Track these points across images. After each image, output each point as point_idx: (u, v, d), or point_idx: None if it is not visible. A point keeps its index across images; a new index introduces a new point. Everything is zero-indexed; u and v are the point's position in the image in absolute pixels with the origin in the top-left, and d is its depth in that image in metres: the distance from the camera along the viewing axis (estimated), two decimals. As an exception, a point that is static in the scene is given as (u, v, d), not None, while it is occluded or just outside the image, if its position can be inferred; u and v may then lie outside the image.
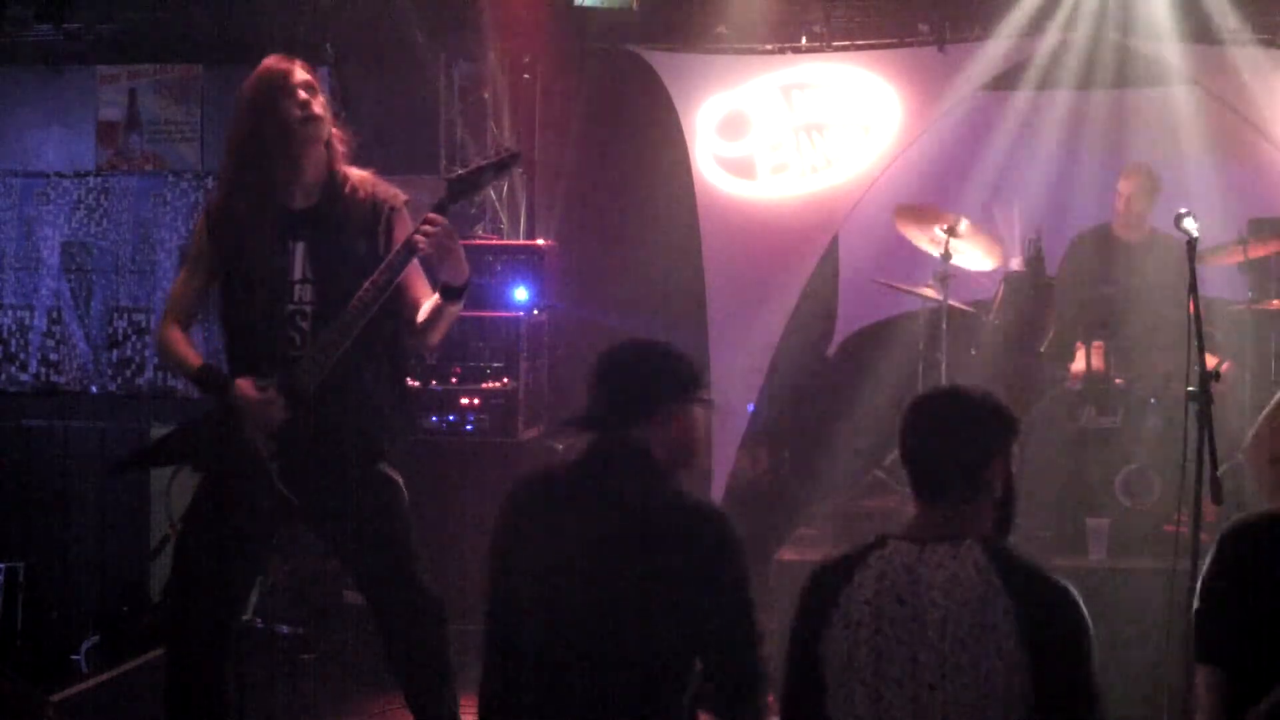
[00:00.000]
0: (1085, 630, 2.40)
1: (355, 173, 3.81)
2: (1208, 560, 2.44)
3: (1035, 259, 5.90)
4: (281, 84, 3.67)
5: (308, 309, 3.69)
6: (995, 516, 2.58)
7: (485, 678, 2.75)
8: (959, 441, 2.57)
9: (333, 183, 3.74)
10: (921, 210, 6.23)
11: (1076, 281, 6.03)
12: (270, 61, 3.74)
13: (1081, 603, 2.43)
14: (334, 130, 3.77)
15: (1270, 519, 2.45)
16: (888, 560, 2.50)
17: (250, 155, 3.69)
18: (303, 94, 3.68)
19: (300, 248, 3.71)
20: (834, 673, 2.47)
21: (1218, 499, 3.66)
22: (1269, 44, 6.31)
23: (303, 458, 3.64)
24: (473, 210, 7.01)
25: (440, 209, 3.64)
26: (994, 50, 6.50)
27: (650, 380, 2.78)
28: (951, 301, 6.01)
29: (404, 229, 3.75)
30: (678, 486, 2.74)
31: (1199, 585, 2.46)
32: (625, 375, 2.79)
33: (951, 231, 5.91)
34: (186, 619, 3.72)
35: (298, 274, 3.70)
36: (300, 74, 3.71)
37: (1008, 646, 2.36)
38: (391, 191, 3.83)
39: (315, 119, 3.69)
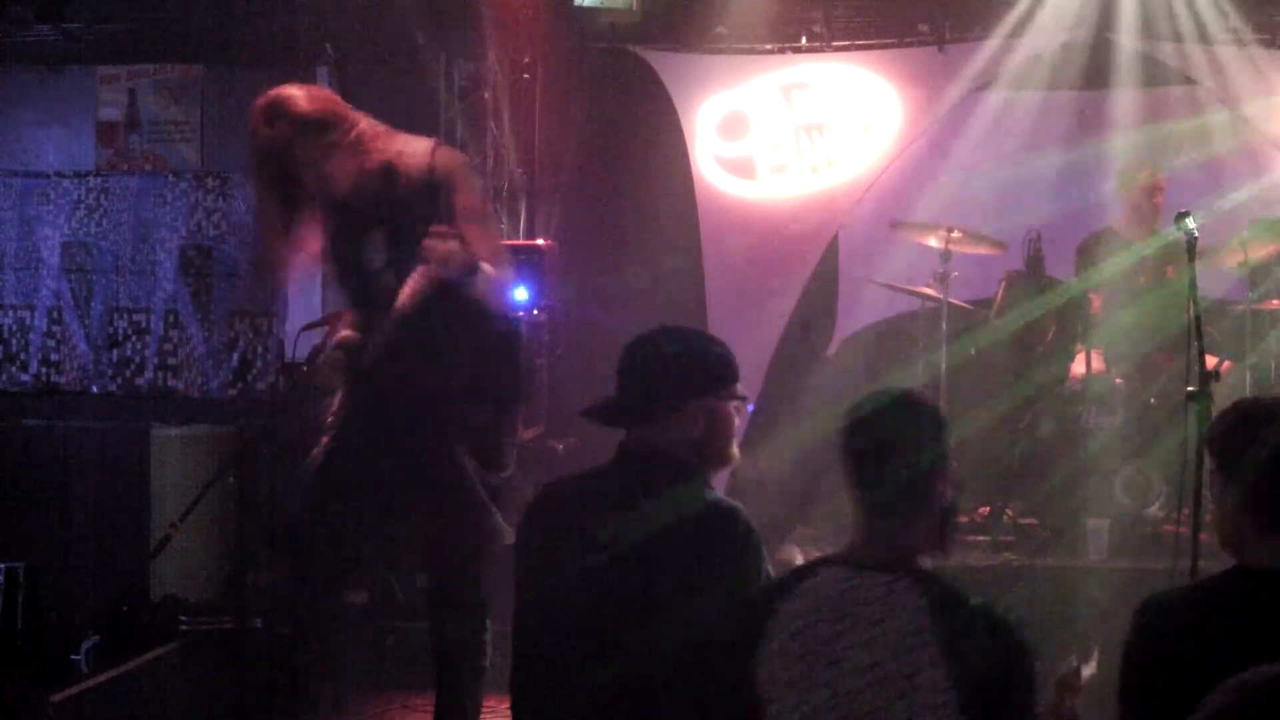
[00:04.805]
0: (1029, 674, 2.20)
1: (400, 151, 3.84)
2: (1128, 637, 2.34)
3: (1035, 259, 5.89)
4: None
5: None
6: (940, 532, 2.36)
7: (514, 679, 2.69)
8: (914, 448, 2.32)
9: (386, 174, 3.81)
10: (916, 226, 6.29)
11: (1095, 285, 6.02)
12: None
13: (1026, 641, 2.22)
14: (361, 129, 3.85)
15: (1184, 594, 2.44)
16: (817, 590, 2.28)
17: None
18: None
19: (377, 236, 3.83)
20: (764, 707, 2.26)
21: (1218, 499, 3.65)
22: (1269, 44, 6.31)
23: None
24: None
25: None
26: (994, 50, 6.50)
27: (676, 374, 2.62)
28: (951, 301, 6.01)
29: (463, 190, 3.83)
30: (701, 490, 2.61)
31: (1122, 661, 2.34)
32: (650, 367, 2.63)
33: (949, 238, 5.95)
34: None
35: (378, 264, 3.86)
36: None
37: (934, 699, 2.14)
38: (440, 157, 3.86)
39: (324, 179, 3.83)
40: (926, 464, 2.32)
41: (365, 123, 3.90)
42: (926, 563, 2.33)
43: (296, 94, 3.89)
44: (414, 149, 3.84)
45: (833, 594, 2.26)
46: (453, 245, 3.61)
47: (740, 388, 2.70)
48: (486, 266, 3.72)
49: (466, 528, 3.84)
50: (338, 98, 4.02)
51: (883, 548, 2.30)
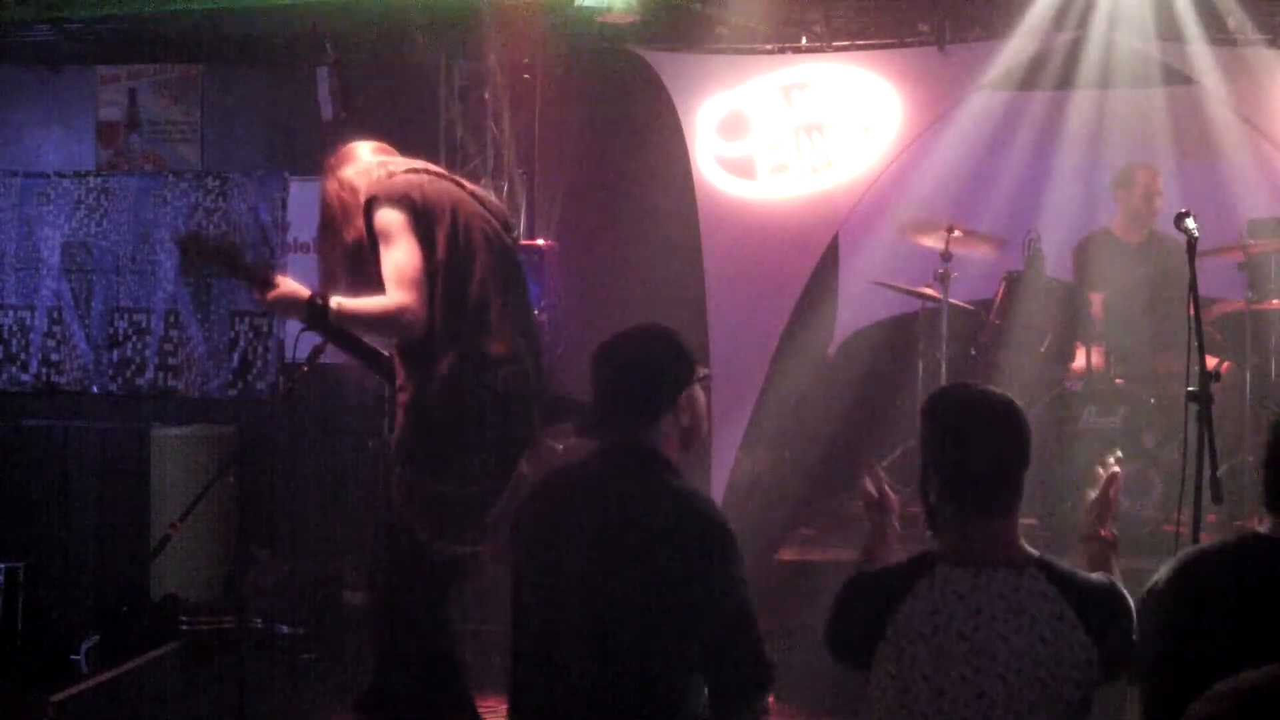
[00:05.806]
0: (1133, 616, 2.43)
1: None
2: (1159, 588, 2.45)
3: (1035, 259, 5.89)
4: None
5: None
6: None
7: (513, 677, 2.73)
8: (1024, 453, 2.45)
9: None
10: (922, 222, 6.27)
11: (1093, 286, 6.02)
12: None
13: (1124, 589, 2.46)
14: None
15: (1221, 550, 2.48)
16: (940, 590, 2.36)
17: None
18: None
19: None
20: (885, 707, 2.36)
21: (1218, 499, 3.66)
22: (1270, 44, 6.30)
23: None
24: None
25: None
26: (994, 50, 6.50)
27: (656, 381, 2.73)
28: (952, 301, 6.01)
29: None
30: (684, 485, 2.69)
31: (1147, 606, 2.46)
32: (630, 378, 2.73)
33: (950, 238, 5.94)
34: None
35: None
36: None
37: (1082, 672, 2.33)
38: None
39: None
40: (1027, 465, 2.46)
41: (374, 165, 3.84)
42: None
43: (360, 148, 3.91)
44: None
45: (962, 593, 2.36)
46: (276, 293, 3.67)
47: (702, 368, 2.82)
48: (349, 304, 3.69)
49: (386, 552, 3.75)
50: (389, 150, 3.96)
51: (1000, 546, 2.42)
